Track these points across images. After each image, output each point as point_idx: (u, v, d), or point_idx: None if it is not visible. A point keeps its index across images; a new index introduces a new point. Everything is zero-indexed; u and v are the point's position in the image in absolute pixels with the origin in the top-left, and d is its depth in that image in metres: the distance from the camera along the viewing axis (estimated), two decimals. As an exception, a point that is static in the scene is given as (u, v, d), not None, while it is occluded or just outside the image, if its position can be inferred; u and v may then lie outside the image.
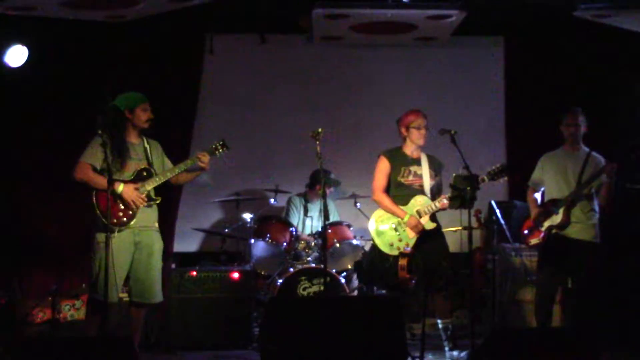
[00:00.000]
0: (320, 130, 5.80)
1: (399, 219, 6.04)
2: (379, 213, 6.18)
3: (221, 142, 5.97)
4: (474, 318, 5.60)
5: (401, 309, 4.75)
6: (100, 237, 5.52)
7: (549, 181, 6.24)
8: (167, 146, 7.77)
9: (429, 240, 6.03)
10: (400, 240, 6.02)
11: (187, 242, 8.30)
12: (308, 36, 8.07)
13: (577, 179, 6.05)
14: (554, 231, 6.07)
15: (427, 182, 6.08)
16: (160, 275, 5.83)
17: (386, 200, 6.12)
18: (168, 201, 8.00)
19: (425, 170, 6.10)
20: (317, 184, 7.48)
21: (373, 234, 6.15)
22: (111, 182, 5.32)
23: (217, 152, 5.95)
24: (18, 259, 7.72)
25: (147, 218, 5.74)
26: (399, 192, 6.13)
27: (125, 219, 5.59)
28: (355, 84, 8.53)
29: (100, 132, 5.49)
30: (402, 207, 6.06)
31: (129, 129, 5.77)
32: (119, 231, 5.55)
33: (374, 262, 6.20)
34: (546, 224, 6.11)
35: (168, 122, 7.99)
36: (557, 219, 6.04)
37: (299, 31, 8.03)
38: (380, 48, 8.38)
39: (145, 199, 5.66)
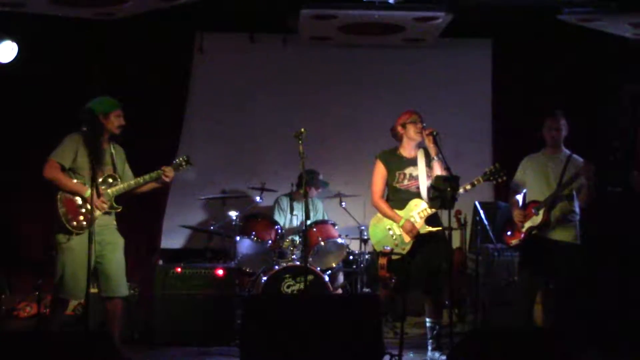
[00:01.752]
0: (303, 130, 5.86)
1: (396, 224, 6.07)
2: (377, 217, 6.21)
3: (186, 159, 6.07)
4: (453, 317, 5.64)
5: (378, 307, 4.81)
6: (60, 237, 5.64)
7: (530, 183, 6.29)
8: (156, 143, 7.90)
9: (428, 242, 6.03)
10: (396, 245, 6.03)
11: (174, 239, 8.35)
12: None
13: (558, 182, 6.12)
14: (534, 232, 6.14)
15: (424, 183, 6.05)
16: (124, 269, 5.90)
17: (382, 206, 6.13)
18: (156, 198, 8.10)
19: (421, 170, 6.07)
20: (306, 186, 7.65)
21: (372, 237, 6.21)
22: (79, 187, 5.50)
23: (181, 167, 6.06)
24: (5, 255, 7.76)
25: (106, 219, 5.82)
26: (396, 197, 6.14)
27: (84, 223, 5.63)
28: (343, 84, 8.58)
29: (78, 132, 5.65)
30: (398, 212, 6.07)
31: (103, 133, 5.81)
32: (77, 234, 5.62)
33: (373, 264, 6.26)
34: (527, 225, 6.17)
35: (157, 119, 8.10)
36: (537, 220, 6.11)
37: (288, 31, 8.09)
38: (369, 49, 8.44)
39: (107, 205, 5.73)
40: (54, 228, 5.69)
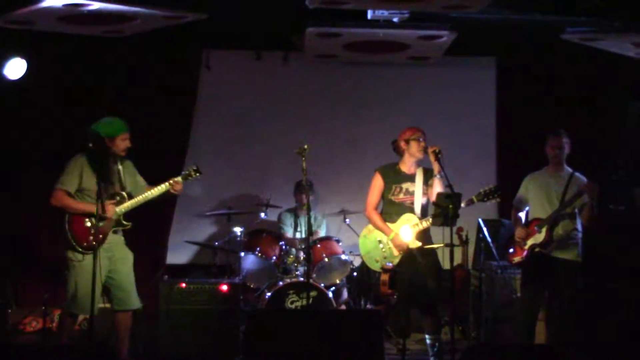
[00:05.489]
0: (306, 147, 5.91)
1: (386, 237, 6.12)
2: (368, 229, 6.26)
3: (194, 168, 6.13)
4: (455, 334, 5.66)
5: (379, 322, 4.83)
6: (72, 255, 5.76)
7: (532, 201, 6.32)
8: (162, 159, 7.96)
9: (417, 258, 6.02)
10: (384, 258, 6.07)
11: (180, 254, 8.41)
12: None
13: (561, 199, 6.14)
14: (536, 250, 6.16)
15: (419, 200, 6.09)
16: (134, 282, 6.05)
17: (375, 217, 6.17)
18: (162, 214, 8.16)
19: (418, 187, 6.10)
20: (297, 194, 7.91)
21: (361, 249, 6.25)
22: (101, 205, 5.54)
23: (190, 177, 6.11)
24: (14, 270, 7.83)
25: (115, 237, 5.95)
26: (390, 210, 6.17)
27: (94, 243, 5.66)
28: (348, 101, 8.64)
29: (83, 152, 5.75)
30: (389, 225, 6.11)
31: (108, 155, 5.87)
32: (87, 254, 5.70)
33: (362, 276, 6.30)
34: (529, 242, 6.20)
35: (164, 135, 8.16)
36: (539, 237, 6.14)
37: (294, 49, 8.17)
38: (374, 66, 8.50)
39: (115, 214, 5.81)
40: (64, 246, 5.79)
